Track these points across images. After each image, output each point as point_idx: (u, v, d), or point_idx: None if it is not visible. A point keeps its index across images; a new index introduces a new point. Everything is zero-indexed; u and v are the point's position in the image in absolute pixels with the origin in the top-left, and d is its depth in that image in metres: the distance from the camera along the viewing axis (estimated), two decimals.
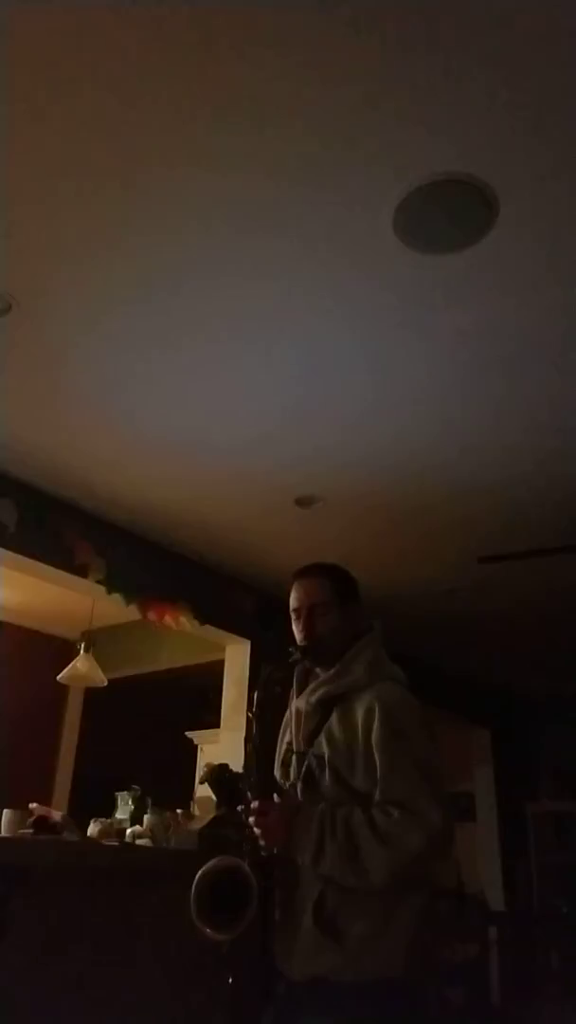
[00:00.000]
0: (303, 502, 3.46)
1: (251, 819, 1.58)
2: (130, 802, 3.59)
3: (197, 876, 1.55)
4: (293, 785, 1.67)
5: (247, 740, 1.69)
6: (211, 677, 4.59)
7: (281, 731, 1.81)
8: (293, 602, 1.80)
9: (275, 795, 1.64)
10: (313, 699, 1.70)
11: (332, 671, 1.71)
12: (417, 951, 1.50)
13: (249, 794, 1.63)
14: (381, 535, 3.79)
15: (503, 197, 1.84)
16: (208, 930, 1.49)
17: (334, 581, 1.80)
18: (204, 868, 1.56)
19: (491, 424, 2.82)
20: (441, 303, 2.21)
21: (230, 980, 1.60)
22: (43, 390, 2.71)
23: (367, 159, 1.76)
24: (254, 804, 1.59)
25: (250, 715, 1.71)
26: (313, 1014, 1.50)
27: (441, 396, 2.66)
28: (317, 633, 1.73)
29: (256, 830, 1.57)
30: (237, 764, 2.42)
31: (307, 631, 1.74)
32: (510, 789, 6.43)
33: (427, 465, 3.12)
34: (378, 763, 1.55)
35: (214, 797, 3.31)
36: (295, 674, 1.81)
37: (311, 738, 1.67)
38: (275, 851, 1.57)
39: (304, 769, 1.65)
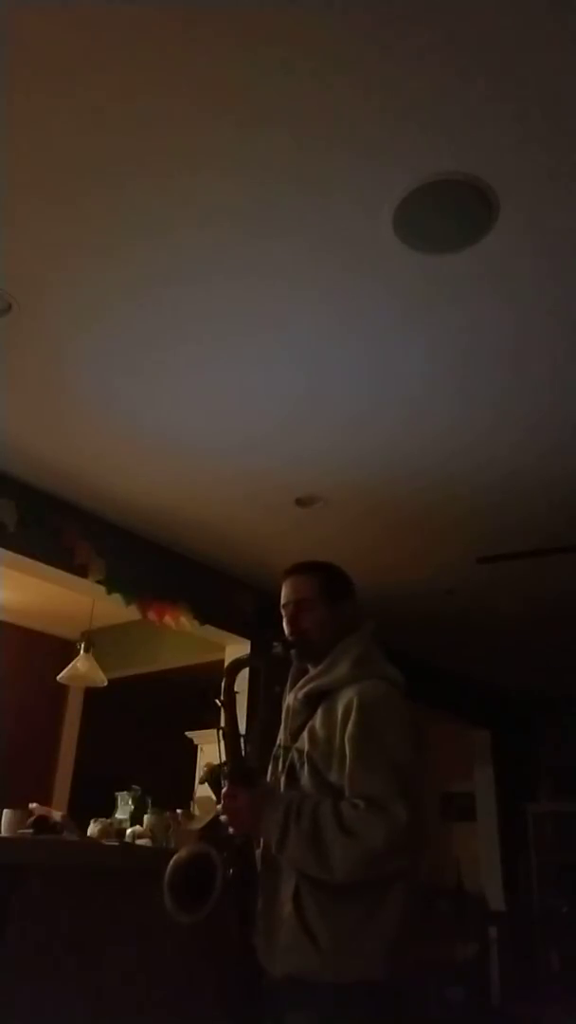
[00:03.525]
0: (303, 502, 3.46)
1: (219, 804, 1.60)
2: (130, 802, 3.60)
3: (170, 863, 1.58)
4: (277, 780, 1.68)
5: (218, 727, 1.70)
6: (211, 677, 4.58)
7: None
8: (282, 598, 1.81)
9: (248, 779, 1.65)
10: (300, 695, 1.71)
11: (320, 667, 1.71)
12: (399, 953, 1.47)
13: (223, 780, 1.65)
14: (381, 535, 3.79)
15: (503, 197, 1.84)
16: (178, 913, 1.51)
17: (323, 578, 1.80)
18: (176, 855, 1.59)
19: (491, 424, 2.82)
20: (441, 303, 2.21)
21: (210, 972, 1.62)
22: (43, 390, 2.71)
23: (367, 159, 1.76)
24: (224, 789, 1.61)
25: (218, 702, 1.72)
26: (294, 1013, 1.49)
27: (441, 396, 2.66)
28: (302, 628, 1.74)
29: (223, 816, 1.58)
30: None
31: (292, 626, 1.75)
32: (510, 789, 6.43)
33: (427, 465, 3.12)
34: (348, 757, 1.54)
35: (214, 797, 3.31)
36: (290, 672, 1.82)
37: (297, 734, 1.68)
38: (245, 835, 1.59)
39: (287, 764, 1.66)
